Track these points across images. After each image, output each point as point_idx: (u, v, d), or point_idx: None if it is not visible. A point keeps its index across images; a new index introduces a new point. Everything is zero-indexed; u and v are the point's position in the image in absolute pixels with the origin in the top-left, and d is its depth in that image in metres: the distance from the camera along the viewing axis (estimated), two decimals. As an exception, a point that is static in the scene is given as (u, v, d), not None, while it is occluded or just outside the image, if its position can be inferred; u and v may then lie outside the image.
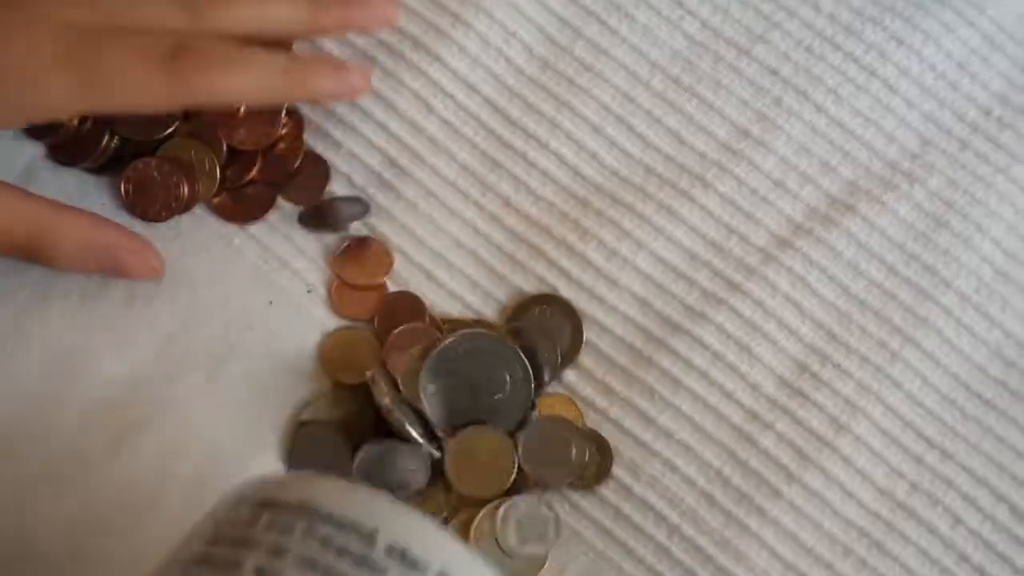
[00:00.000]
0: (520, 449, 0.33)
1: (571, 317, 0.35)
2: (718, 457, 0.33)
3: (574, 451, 0.33)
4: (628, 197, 0.36)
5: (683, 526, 0.33)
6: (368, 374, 0.33)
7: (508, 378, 0.33)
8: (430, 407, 0.33)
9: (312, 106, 0.36)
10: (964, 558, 0.33)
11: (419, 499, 0.33)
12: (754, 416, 0.34)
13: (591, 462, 0.33)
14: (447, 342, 0.33)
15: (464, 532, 0.33)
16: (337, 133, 0.36)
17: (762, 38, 0.37)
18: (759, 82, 0.37)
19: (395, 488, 0.32)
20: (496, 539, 0.33)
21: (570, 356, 0.34)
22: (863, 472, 0.33)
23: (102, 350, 0.34)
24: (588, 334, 0.35)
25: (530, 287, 0.35)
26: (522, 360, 0.33)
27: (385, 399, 0.33)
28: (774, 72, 0.37)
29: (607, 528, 0.33)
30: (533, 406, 0.34)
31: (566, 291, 0.35)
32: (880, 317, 0.35)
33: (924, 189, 0.36)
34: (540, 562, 0.33)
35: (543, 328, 0.34)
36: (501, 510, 0.33)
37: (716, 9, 0.37)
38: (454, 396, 0.33)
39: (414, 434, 0.33)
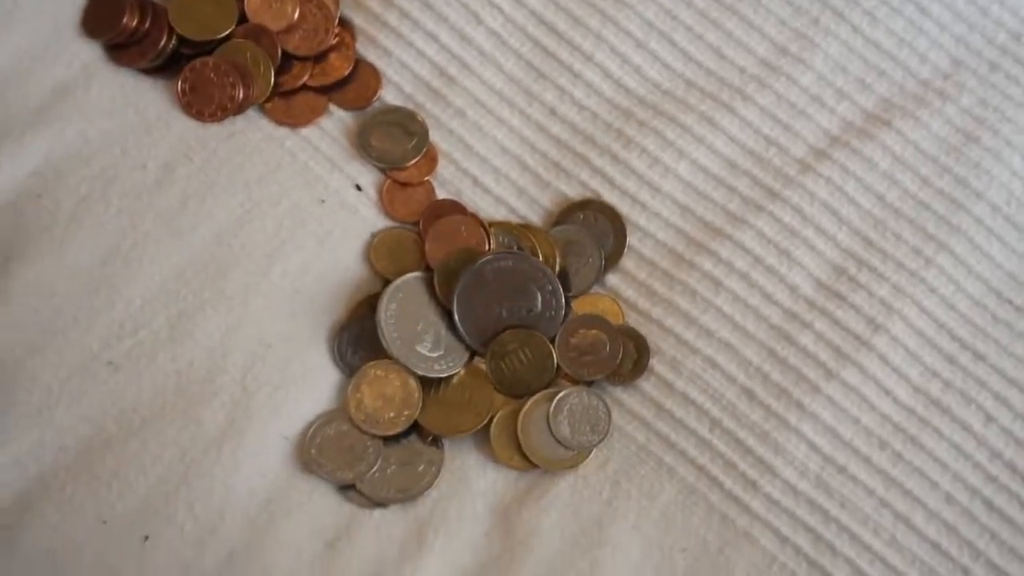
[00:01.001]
0: (557, 347, 0.34)
1: (614, 221, 0.35)
2: (758, 354, 0.34)
3: (608, 347, 0.34)
4: (670, 108, 0.36)
5: (724, 420, 0.33)
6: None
7: (539, 295, 0.34)
8: (460, 324, 0.33)
9: (365, 15, 0.37)
10: (996, 454, 0.33)
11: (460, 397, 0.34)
12: (793, 316, 0.34)
13: (627, 358, 0.34)
14: (478, 264, 0.33)
15: (512, 420, 0.33)
16: (388, 42, 0.36)
17: (801, -42, 0.38)
18: (797, 2, 0.37)
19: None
20: (549, 428, 0.33)
21: (613, 259, 0.35)
22: (899, 370, 0.34)
23: (158, 243, 0.34)
24: (631, 239, 0.35)
25: (574, 193, 0.36)
26: (552, 277, 0.34)
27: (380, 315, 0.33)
28: (812, -8, 0.38)
29: (649, 422, 0.34)
30: (566, 316, 0.34)
31: (609, 197, 0.35)
32: (914, 225, 0.35)
33: (955, 106, 0.36)
34: (586, 452, 0.33)
35: (587, 232, 0.35)
36: (553, 402, 0.33)
37: (756, -68, 0.38)
38: (486, 314, 0.34)
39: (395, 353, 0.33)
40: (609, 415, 0.33)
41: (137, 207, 0.34)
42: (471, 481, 0.33)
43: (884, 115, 0.36)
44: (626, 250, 0.35)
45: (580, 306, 0.35)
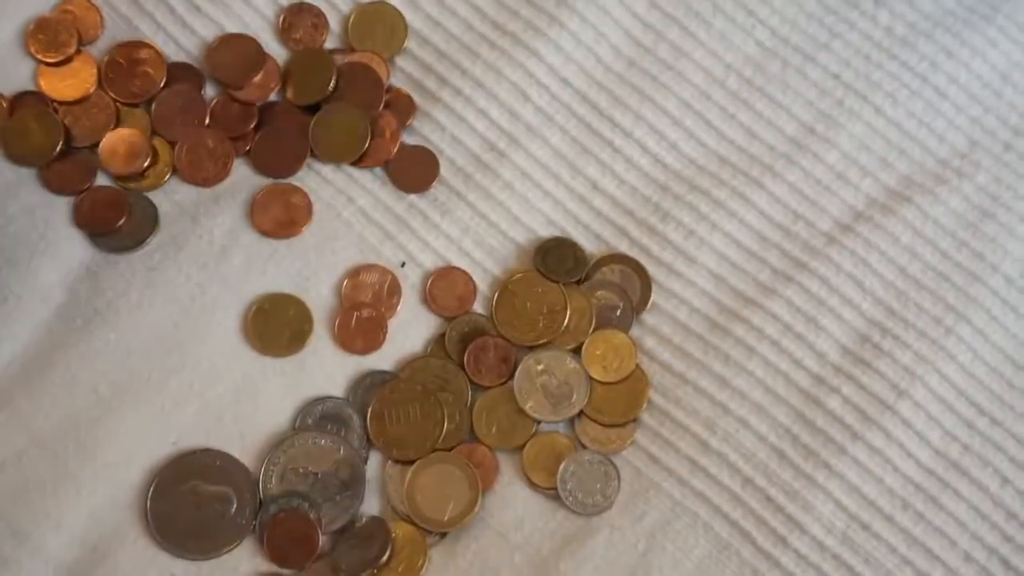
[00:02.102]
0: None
1: (640, 274, 0.37)
2: (788, 416, 0.35)
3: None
4: (704, 183, 0.38)
5: (756, 478, 0.35)
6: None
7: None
8: None
9: (421, 93, 0.38)
10: (1012, 515, 0.35)
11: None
12: (821, 381, 0.36)
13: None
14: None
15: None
16: (442, 118, 0.38)
17: (826, 46, 0.39)
18: (823, 85, 0.39)
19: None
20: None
21: (640, 307, 0.36)
22: (921, 434, 0.35)
23: (225, 308, 0.36)
24: (667, 305, 0.37)
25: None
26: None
27: None
28: (836, 77, 0.39)
29: (685, 478, 0.35)
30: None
31: (647, 265, 0.37)
32: (935, 296, 0.37)
33: (972, 184, 0.38)
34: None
35: (615, 282, 0.37)
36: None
37: (784, 20, 0.40)
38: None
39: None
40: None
41: (205, 274, 0.36)
42: (508, 534, 0.35)
43: (905, 191, 0.38)
44: (662, 313, 0.36)
45: (595, 342, 0.36)
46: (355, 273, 0.37)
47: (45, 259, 0.36)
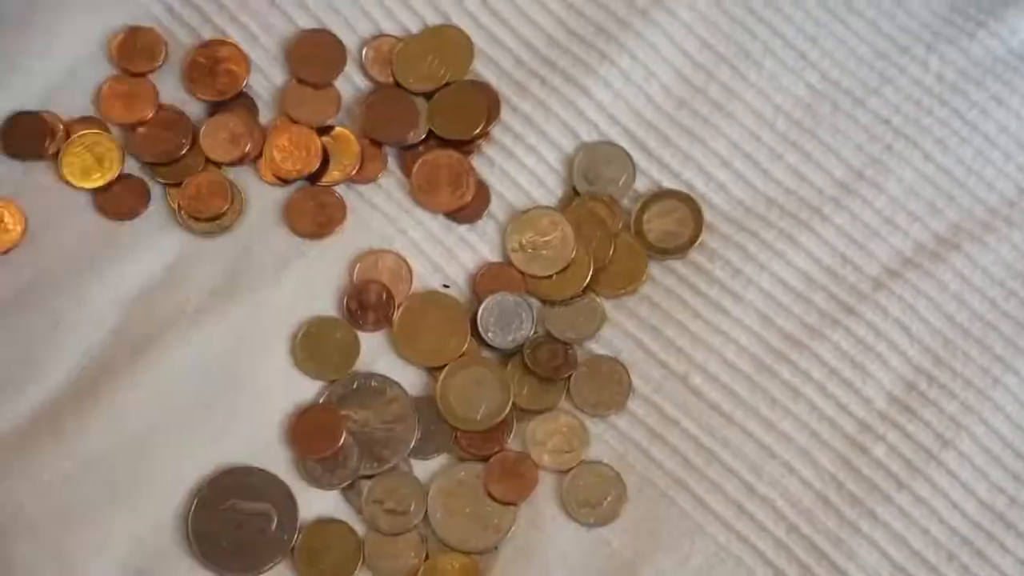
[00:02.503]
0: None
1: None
2: (833, 463, 0.35)
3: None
4: (753, 224, 0.38)
5: (801, 524, 0.34)
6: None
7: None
8: None
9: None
10: (1059, 570, 0.34)
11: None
12: (866, 427, 0.35)
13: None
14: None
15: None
16: (491, 153, 0.38)
17: (876, 91, 0.39)
18: (872, 129, 0.39)
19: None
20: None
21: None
22: (966, 485, 0.35)
23: (276, 338, 0.36)
24: (714, 342, 0.36)
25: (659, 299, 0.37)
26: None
27: None
28: (886, 121, 0.39)
29: (730, 523, 0.35)
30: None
31: (693, 302, 0.37)
32: (982, 345, 0.36)
33: (1021, 232, 0.38)
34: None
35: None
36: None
37: (835, 63, 0.39)
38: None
39: None
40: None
41: (255, 299, 0.36)
42: (551, 573, 0.34)
43: (954, 239, 0.38)
44: (710, 351, 0.36)
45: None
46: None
47: (97, 284, 0.36)
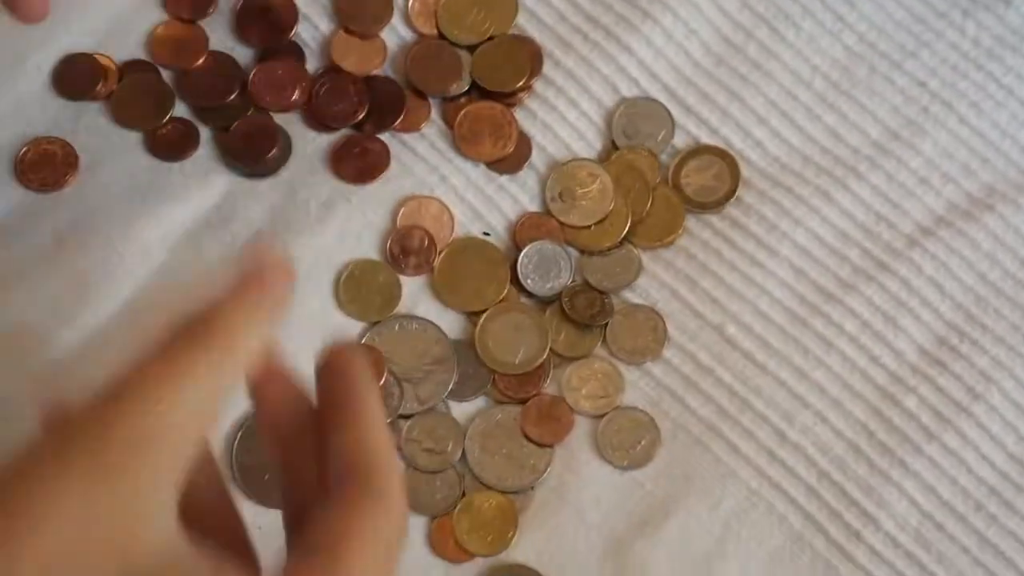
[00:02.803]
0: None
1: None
2: (864, 412, 0.36)
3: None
4: (788, 180, 0.38)
5: (832, 472, 0.35)
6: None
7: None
8: None
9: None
10: (1086, 522, 0.35)
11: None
12: (898, 379, 0.36)
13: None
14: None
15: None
16: (534, 106, 0.39)
17: (913, 54, 0.40)
18: (909, 92, 0.39)
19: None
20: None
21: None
22: (996, 438, 0.35)
23: (319, 277, 0.36)
24: (749, 293, 0.37)
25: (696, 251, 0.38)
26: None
27: None
28: (922, 84, 0.39)
29: (762, 468, 0.35)
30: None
31: (729, 255, 0.37)
32: (1013, 303, 0.37)
33: (1054, 196, 0.39)
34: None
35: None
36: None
37: (872, 26, 0.40)
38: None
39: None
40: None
41: (300, 241, 0.37)
42: (586, 513, 0.35)
43: (987, 199, 0.38)
44: (744, 301, 0.37)
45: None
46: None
47: (148, 220, 0.36)
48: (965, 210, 0.38)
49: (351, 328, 0.36)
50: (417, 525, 0.35)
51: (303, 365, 0.36)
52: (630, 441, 0.36)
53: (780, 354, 0.36)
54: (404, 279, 0.37)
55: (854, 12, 0.40)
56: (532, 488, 0.35)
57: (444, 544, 0.35)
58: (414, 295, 0.37)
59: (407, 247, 0.37)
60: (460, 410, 0.36)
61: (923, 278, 0.37)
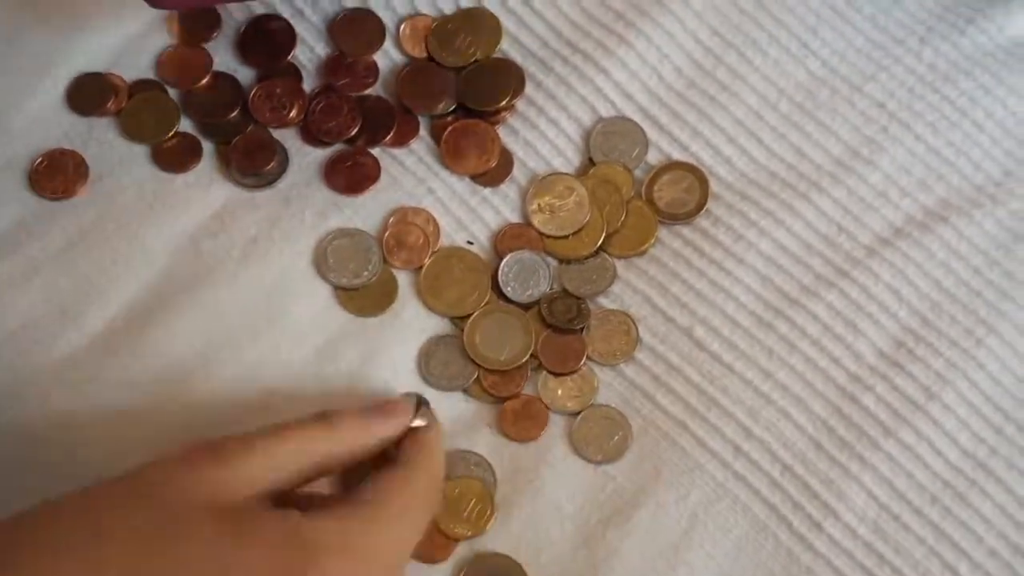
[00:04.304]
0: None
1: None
2: (825, 410, 0.37)
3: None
4: (755, 194, 0.40)
5: (795, 465, 0.36)
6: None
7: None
8: None
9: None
10: (1036, 515, 0.36)
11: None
12: (857, 379, 0.38)
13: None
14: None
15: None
16: (516, 124, 0.41)
17: (872, 78, 0.42)
18: (868, 113, 0.41)
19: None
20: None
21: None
22: (950, 435, 0.37)
23: (312, 280, 0.38)
24: (716, 298, 0.39)
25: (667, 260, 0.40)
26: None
27: None
28: (881, 105, 0.41)
29: (728, 462, 0.37)
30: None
31: (698, 263, 0.39)
32: (967, 309, 0.38)
33: (1005, 209, 0.40)
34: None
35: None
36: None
37: (834, 52, 0.42)
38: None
39: None
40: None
41: (296, 248, 0.39)
42: (562, 505, 0.37)
43: (942, 213, 0.40)
44: (712, 306, 0.38)
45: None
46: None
47: (153, 227, 0.38)
48: (921, 222, 0.40)
49: (352, 325, 0.38)
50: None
51: (308, 359, 0.37)
52: (603, 437, 0.37)
53: (746, 355, 0.38)
54: (400, 278, 0.39)
55: (817, 39, 0.42)
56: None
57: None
58: (405, 295, 0.39)
59: (403, 240, 0.39)
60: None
61: (881, 285, 0.39)
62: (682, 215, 0.40)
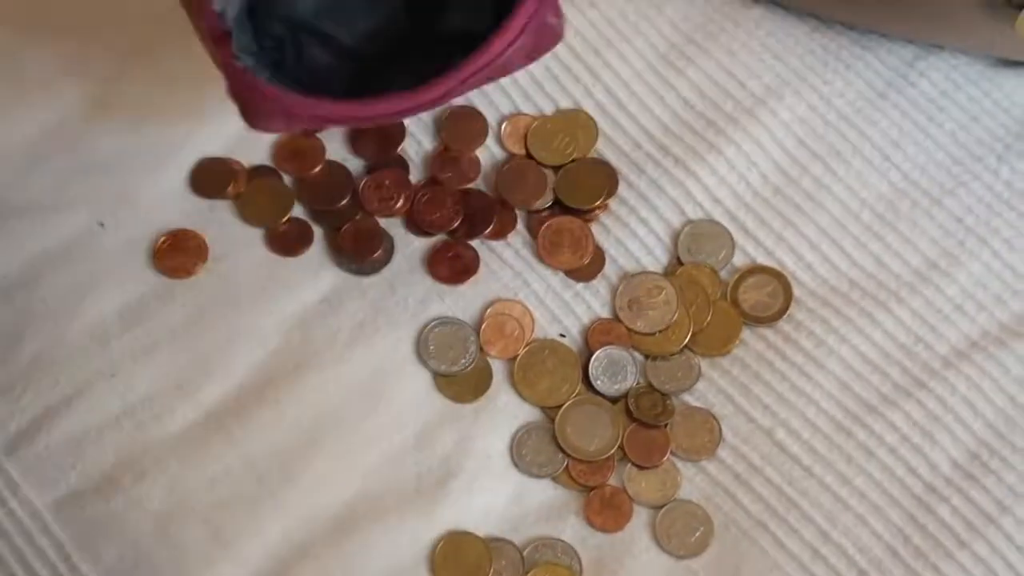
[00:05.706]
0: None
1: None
2: (901, 518, 0.38)
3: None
4: (836, 301, 0.41)
5: (870, 571, 0.37)
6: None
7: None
8: None
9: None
10: (1107, 634, 0.37)
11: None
12: (932, 489, 0.39)
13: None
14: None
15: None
16: (608, 222, 0.42)
17: (952, 192, 0.43)
18: (947, 226, 0.43)
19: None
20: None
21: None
22: (1021, 549, 0.38)
23: (414, 365, 0.40)
24: (798, 402, 0.40)
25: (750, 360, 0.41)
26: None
27: None
28: (959, 220, 0.43)
29: (805, 564, 0.38)
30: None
31: (780, 365, 0.40)
32: (1040, 425, 0.40)
33: (1079, 328, 0.41)
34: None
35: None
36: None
37: (915, 165, 0.43)
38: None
39: None
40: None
41: (398, 334, 0.41)
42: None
43: (1017, 328, 0.41)
44: (792, 409, 0.39)
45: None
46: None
47: (265, 307, 0.40)
48: (996, 336, 0.41)
49: (449, 410, 0.39)
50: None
51: (407, 443, 0.39)
52: (685, 532, 0.38)
53: (825, 459, 0.39)
54: (494, 367, 0.40)
55: (899, 152, 0.44)
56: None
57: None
58: (499, 383, 0.40)
59: (499, 331, 0.40)
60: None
61: (957, 396, 0.40)
62: (765, 318, 0.41)
